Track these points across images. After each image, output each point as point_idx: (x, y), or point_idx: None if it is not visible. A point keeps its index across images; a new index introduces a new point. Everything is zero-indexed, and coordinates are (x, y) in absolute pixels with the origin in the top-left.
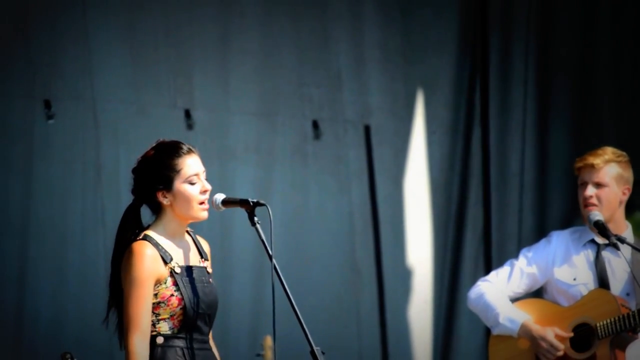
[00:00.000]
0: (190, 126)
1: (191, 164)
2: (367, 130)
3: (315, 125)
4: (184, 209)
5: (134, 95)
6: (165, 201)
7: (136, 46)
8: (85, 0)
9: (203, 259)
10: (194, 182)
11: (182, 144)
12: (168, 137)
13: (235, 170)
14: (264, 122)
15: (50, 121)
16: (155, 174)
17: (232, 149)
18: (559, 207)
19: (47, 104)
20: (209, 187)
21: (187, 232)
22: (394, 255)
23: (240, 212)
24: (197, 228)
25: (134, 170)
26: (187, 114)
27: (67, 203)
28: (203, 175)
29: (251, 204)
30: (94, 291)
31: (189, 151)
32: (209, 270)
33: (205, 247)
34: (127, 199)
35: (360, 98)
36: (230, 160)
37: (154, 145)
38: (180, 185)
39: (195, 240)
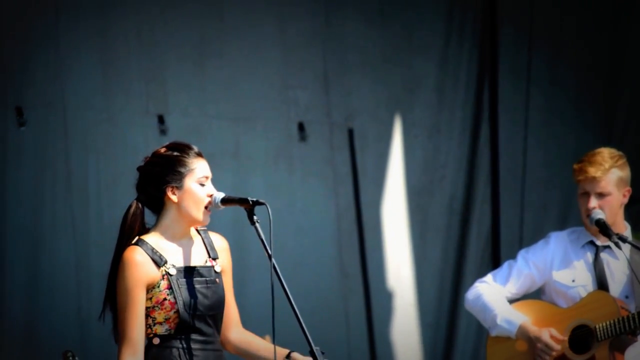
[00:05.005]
0: (163, 132)
1: (203, 166)
2: (350, 133)
3: (301, 127)
4: (191, 208)
5: (104, 103)
6: (173, 198)
7: (107, 52)
8: (58, 6)
9: (211, 258)
10: (203, 183)
11: (193, 146)
12: (140, 143)
13: (215, 175)
14: (244, 126)
15: (22, 128)
16: (168, 169)
17: (209, 154)
18: (562, 207)
19: (19, 111)
20: (215, 191)
21: (198, 231)
22: (379, 258)
23: (223, 212)
24: None
25: (141, 168)
26: (161, 120)
27: (38, 210)
28: (210, 180)
29: (250, 202)
30: (65, 298)
31: (200, 154)
32: (217, 269)
33: (220, 243)
34: (95, 206)
35: (344, 101)
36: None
37: (165, 144)
38: (191, 184)
39: (205, 240)
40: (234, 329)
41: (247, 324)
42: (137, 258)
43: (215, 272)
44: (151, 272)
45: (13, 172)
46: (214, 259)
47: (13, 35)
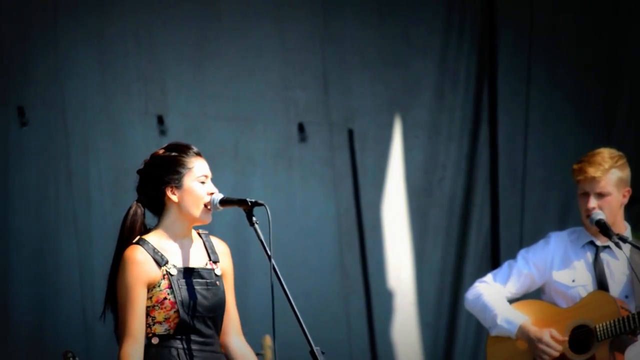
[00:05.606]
0: (163, 132)
1: (201, 165)
2: (350, 134)
3: (301, 128)
4: (191, 207)
5: (103, 102)
6: (173, 198)
7: (105, 53)
8: (56, 7)
9: (212, 261)
10: (204, 182)
11: (192, 146)
12: (140, 143)
13: (214, 176)
14: (243, 127)
15: (24, 128)
16: (167, 169)
17: (208, 155)
18: (561, 207)
19: (21, 111)
20: (215, 190)
21: (199, 234)
22: (379, 258)
23: (223, 213)
24: None
25: (141, 170)
26: (160, 120)
27: (41, 209)
28: (210, 180)
29: (249, 203)
30: (69, 298)
31: (199, 153)
32: (217, 272)
33: (221, 247)
34: (97, 206)
35: (344, 101)
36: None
37: (163, 146)
38: (190, 182)
39: (206, 243)
40: (234, 336)
41: (247, 324)
42: (138, 257)
43: (216, 275)
44: (152, 271)
45: (16, 171)
46: (215, 262)
47: (12, 36)
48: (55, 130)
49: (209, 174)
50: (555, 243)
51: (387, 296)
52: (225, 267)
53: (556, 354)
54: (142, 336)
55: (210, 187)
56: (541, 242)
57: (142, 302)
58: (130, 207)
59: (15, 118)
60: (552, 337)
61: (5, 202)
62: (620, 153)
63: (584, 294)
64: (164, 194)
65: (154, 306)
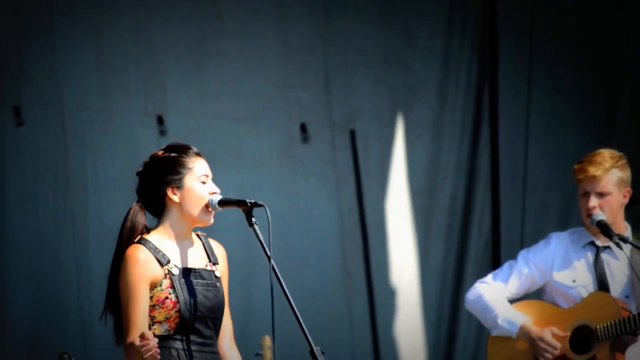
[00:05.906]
0: (163, 132)
1: (202, 165)
2: (352, 134)
3: (303, 128)
4: (192, 208)
5: (101, 103)
6: (174, 198)
7: (103, 52)
8: (53, 6)
9: (212, 263)
10: (204, 182)
11: (192, 146)
12: (139, 143)
13: (216, 175)
14: (245, 126)
15: (21, 128)
16: (167, 170)
17: (211, 154)
18: (562, 208)
19: (17, 111)
20: (217, 189)
21: (198, 235)
22: (382, 258)
23: (229, 212)
24: None
25: (140, 172)
26: (160, 120)
27: (39, 209)
28: (211, 179)
29: (248, 204)
30: (67, 297)
31: (198, 154)
32: (217, 274)
33: (219, 250)
34: (94, 206)
35: (346, 102)
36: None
37: (162, 147)
38: (191, 182)
39: (206, 245)
40: (225, 341)
41: (251, 324)
42: (141, 256)
43: (216, 276)
44: (154, 270)
45: (13, 171)
46: (214, 263)
47: (9, 35)
48: (53, 130)
49: (210, 173)
50: (556, 243)
51: (390, 295)
52: (221, 270)
53: (557, 352)
54: (146, 329)
55: (211, 186)
56: (542, 243)
57: (145, 300)
58: (130, 209)
59: (12, 118)
60: (554, 335)
61: (1, 202)
62: (621, 153)
63: (584, 294)
64: (165, 194)
65: (154, 306)
